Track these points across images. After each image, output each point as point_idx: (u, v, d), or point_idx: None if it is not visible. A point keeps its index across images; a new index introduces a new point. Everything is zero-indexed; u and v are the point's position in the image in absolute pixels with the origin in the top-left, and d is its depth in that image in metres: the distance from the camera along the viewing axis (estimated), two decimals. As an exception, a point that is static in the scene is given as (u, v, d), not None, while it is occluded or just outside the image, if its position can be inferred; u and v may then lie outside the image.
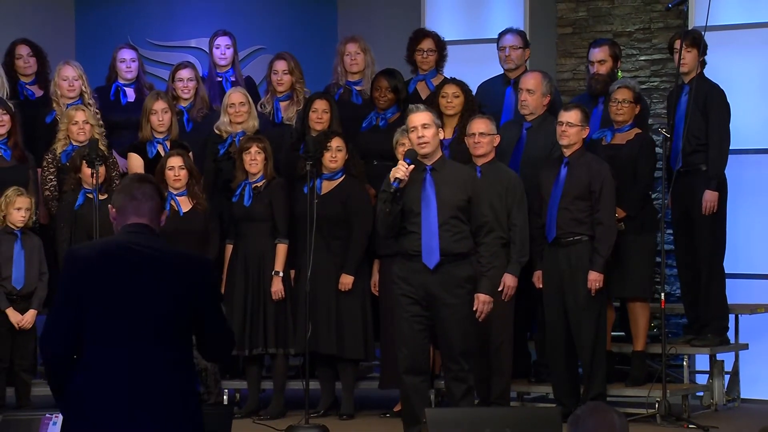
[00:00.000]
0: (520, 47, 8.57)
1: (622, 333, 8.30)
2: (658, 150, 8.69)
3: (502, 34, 8.61)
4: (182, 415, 4.02)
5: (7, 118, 8.17)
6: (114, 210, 4.16)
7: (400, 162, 6.77)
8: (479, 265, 6.86)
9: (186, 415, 4.03)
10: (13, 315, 7.91)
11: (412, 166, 6.74)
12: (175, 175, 7.96)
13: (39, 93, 8.83)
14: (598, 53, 8.35)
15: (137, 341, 3.98)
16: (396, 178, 6.70)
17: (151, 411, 3.96)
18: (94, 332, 3.99)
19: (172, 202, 8.00)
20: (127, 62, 8.80)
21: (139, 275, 4.02)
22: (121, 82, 8.82)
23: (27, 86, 8.81)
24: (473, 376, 6.99)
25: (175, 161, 7.99)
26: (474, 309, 6.88)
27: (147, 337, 3.99)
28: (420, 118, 6.84)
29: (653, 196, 8.87)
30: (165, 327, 4.01)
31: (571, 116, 7.64)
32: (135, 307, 3.99)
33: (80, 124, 8.17)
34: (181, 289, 4.05)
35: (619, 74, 8.59)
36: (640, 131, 8.00)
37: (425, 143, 6.81)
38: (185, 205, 8.03)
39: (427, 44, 8.72)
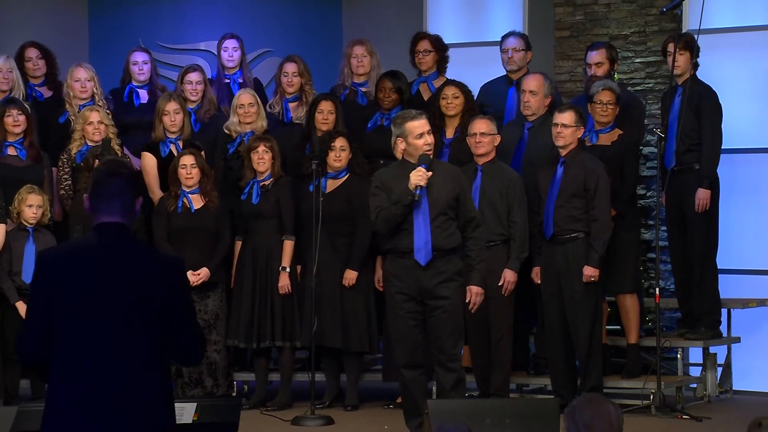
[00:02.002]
0: (522, 49, 8.58)
1: (618, 327, 8.31)
2: (647, 149, 8.71)
3: (505, 37, 8.63)
4: (154, 414, 3.94)
5: (22, 118, 8.20)
6: (87, 203, 4.06)
7: (420, 169, 6.74)
8: (468, 258, 6.87)
9: (158, 413, 3.96)
10: (23, 308, 7.93)
11: (430, 173, 6.74)
12: (187, 174, 7.99)
13: (48, 94, 8.86)
14: (596, 56, 8.37)
15: (108, 342, 3.90)
16: (419, 186, 6.70)
17: (124, 412, 3.88)
18: (66, 334, 3.91)
19: (185, 200, 8.03)
20: (139, 65, 8.82)
21: (109, 276, 3.93)
22: (134, 84, 8.84)
23: (36, 88, 8.83)
24: (462, 367, 6.98)
25: (188, 160, 8.02)
26: (467, 301, 6.89)
27: (118, 338, 3.90)
28: (424, 124, 6.83)
29: (647, 194, 8.88)
30: (136, 327, 3.92)
31: (565, 117, 7.66)
32: (106, 308, 3.91)
33: (95, 125, 8.20)
34: (151, 288, 3.95)
35: (616, 77, 8.59)
36: (622, 132, 8.02)
37: (431, 150, 6.83)
38: (197, 202, 8.05)
39: (423, 45, 8.74)
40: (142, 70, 8.82)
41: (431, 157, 6.83)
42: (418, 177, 6.70)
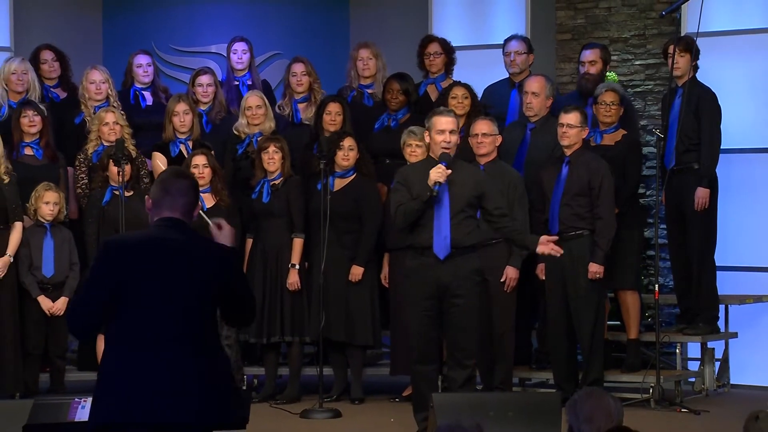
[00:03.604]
0: (524, 52, 8.60)
1: (618, 322, 8.31)
2: (646, 149, 8.72)
3: (507, 41, 8.64)
4: (210, 396, 4.05)
5: (38, 119, 8.22)
6: (150, 201, 4.23)
7: (440, 166, 6.72)
8: (514, 238, 6.92)
9: (213, 395, 4.06)
10: (44, 302, 7.97)
11: (450, 171, 6.74)
12: (199, 173, 7.99)
13: (63, 95, 8.89)
14: (589, 55, 8.41)
15: (171, 328, 4.04)
16: (438, 182, 6.69)
17: (180, 392, 4.00)
18: (126, 317, 4.04)
19: (196, 198, 8.04)
20: (143, 67, 8.84)
21: (169, 264, 4.09)
22: (139, 86, 8.86)
23: (51, 89, 8.86)
24: (475, 365, 6.99)
25: (199, 160, 8.04)
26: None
27: (176, 323, 4.05)
28: (450, 122, 6.81)
29: (647, 193, 8.89)
30: (193, 312, 4.07)
31: (570, 118, 7.67)
32: (165, 294, 4.06)
33: (111, 125, 8.23)
34: (208, 276, 4.12)
35: (614, 76, 8.58)
36: (626, 132, 8.03)
37: (450, 148, 6.80)
38: (208, 201, 8.06)
39: (433, 48, 8.76)
40: (147, 72, 8.84)
41: (452, 155, 6.81)
42: (438, 173, 6.69)
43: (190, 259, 4.12)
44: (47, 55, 8.83)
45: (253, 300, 4.38)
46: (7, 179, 7.94)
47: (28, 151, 8.27)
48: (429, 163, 6.84)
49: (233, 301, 4.22)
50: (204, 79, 8.68)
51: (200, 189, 7.90)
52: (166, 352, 4.02)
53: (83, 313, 4.11)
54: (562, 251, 6.82)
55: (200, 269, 4.11)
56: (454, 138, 6.82)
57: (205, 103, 8.68)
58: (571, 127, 7.67)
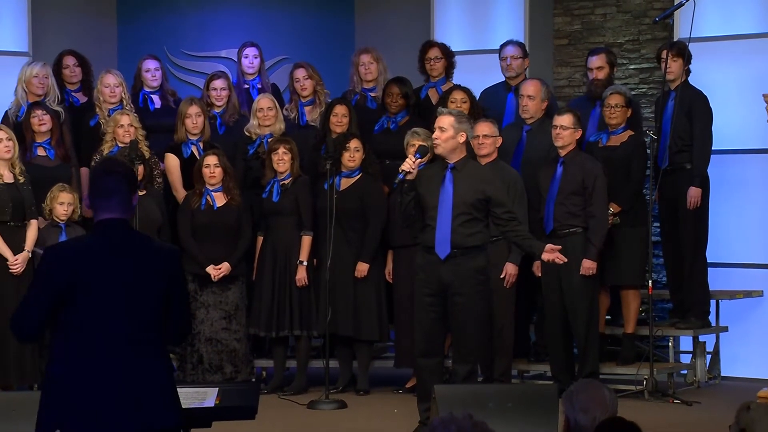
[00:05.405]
0: (519, 57, 8.61)
1: (608, 317, 8.32)
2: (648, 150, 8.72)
3: (503, 46, 8.66)
4: (162, 397, 3.95)
5: (47, 118, 8.23)
6: (87, 202, 4.07)
7: (411, 156, 6.79)
8: (521, 243, 6.88)
9: (165, 396, 3.97)
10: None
11: (419, 160, 6.74)
12: (210, 173, 8.03)
13: (83, 99, 8.89)
14: (596, 61, 8.38)
15: (118, 330, 3.90)
16: (402, 170, 6.72)
17: (133, 396, 3.88)
18: (77, 325, 3.91)
19: (208, 198, 8.06)
20: (152, 71, 8.85)
21: (114, 268, 3.94)
22: (147, 89, 8.87)
23: (72, 93, 8.87)
24: (477, 360, 7.00)
25: (211, 160, 8.06)
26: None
27: (127, 326, 3.91)
28: (439, 120, 6.82)
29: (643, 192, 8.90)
30: (142, 315, 3.94)
31: (564, 120, 7.69)
32: (114, 299, 3.92)
33: (126, 127, 8.24)
34: (154, 277, 3.98)
35: None
36: (632, 133, 8.03)
37: (436, 144, 6.82)
38: (220, 200, 8.08)
39: (433, 53, 8.77)
40: (155, 77, 8.86)
41: (428, 148, 6.84)
42: (404, 163, 6.74)
43: (134, 259, 3.97)
44: (69, 61, 8.86)
45: (190, 320, 4.18)
46: (22, 179, 7.97)
47: (40, 152, 8.28)
48: (440, 164, 6.85)
49: (175, 305, 4.03)
50: (218, 83, 8.71)
51: (212, 188, 8.05)
52: (116, 357, 3.88)
53: (26, 316, 3.93)
54: (566, 260, 6.84)
55: (146, 269, 3.97)
56: (443, 135, 6.75)
57: (219, 106, 8.70)
58: (564, 128, 7.69)
